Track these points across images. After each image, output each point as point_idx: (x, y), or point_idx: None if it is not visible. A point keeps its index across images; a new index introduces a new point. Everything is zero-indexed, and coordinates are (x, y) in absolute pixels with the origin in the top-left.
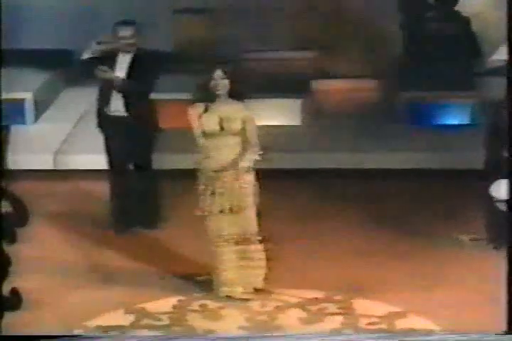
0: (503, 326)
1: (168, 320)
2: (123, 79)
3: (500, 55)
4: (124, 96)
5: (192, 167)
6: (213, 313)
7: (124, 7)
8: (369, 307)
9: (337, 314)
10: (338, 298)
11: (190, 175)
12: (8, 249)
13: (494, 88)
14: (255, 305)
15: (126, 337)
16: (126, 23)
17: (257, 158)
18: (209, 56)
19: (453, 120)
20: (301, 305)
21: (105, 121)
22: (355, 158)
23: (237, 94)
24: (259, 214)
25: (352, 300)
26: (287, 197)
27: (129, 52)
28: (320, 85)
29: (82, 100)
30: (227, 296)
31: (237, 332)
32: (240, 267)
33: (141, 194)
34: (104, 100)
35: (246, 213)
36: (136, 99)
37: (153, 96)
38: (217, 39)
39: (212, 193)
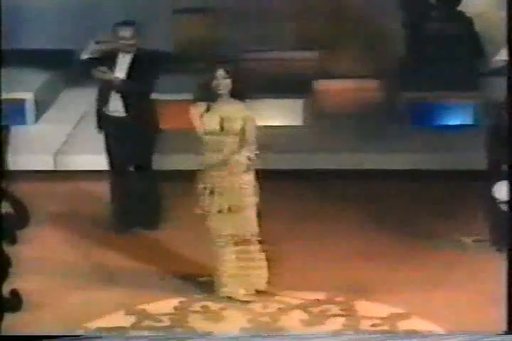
0: (503, 326)
1: (169, 322)
2: (121, 80)
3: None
4: (123, 97)
5: (192, 168)
6: (215, 315)
7: (124, 6)
8: (371, 309)
9: (339, 316)
10: (339, 299)
11: (190, 176)
12: (9, 249)
13: (497, 88)
14: (257, 306)
15: (126, 337)
16: (126, 23)
17: (253, 155)
18: (210, 56)
19: (455, 120)
20: (303, 307)
21: (105, 122)
22: (356, 158)
23: (239, 93)
24: (259, 215)
25: (354, 302)
26: (288, 197)
27: (128, 52)
28: (321, 85)
29: (82, 100)
30: (228, 297)
31: (238, 333)
32: (240, 268)
33: (142, 195)
34: (103, 100)
35: (245, 213)
36: (135, 100)
37: (153, 96)
38: (217, 39)
39: (212, 193)
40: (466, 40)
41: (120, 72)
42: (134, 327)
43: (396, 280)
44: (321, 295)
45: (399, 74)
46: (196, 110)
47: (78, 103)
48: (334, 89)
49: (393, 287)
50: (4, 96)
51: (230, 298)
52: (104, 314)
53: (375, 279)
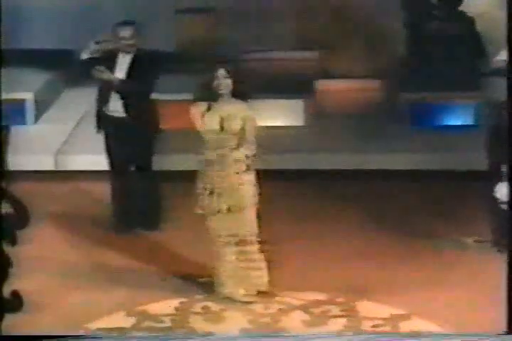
0: (504, 326)
1: (170, 322)
2: (121, 80)
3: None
4: (123, 97)
5: (193, 168)
6: (216, 315)
7: (125, 7)
8: (372, 310)
9: (340, 316)
10: (340, 300)
11: (191, 176)
12: (9, 250)
13: (498, 89)
14: (258, 307)
15: (127, 337)
16: (126, 23)
17: (251, 153)
18: (211, 56)
19: (455, 121)
20: (304, 308)
21: (105, 122)
22: (357, 158)
23: (240, 93)
24: (258, 215)
25: (355, 303)
26: (289, 197)
27: (129, 52)
28: (322, 85)
29: (82, 100)
30: (228, 298)
31: (239, 334)
32: (240, 268)
33: (142, 195)
34: (103, 101)
35: (245, 213)
36: (135, 100)
37: (154, 96)
38: (218, 39)
39: (211, 193)
40: (468, 40)
41: (120, 72)
42: (134, 327)
43: (397, 281)
44: (321, 296)
45: (399, 75)
46: (197, 109)
47: (78, 103)
48: (335, 89)
49: (394, 287)
50: (4, 96)
51: (230, 299)
52: (105, 314)
53: (375, 279)
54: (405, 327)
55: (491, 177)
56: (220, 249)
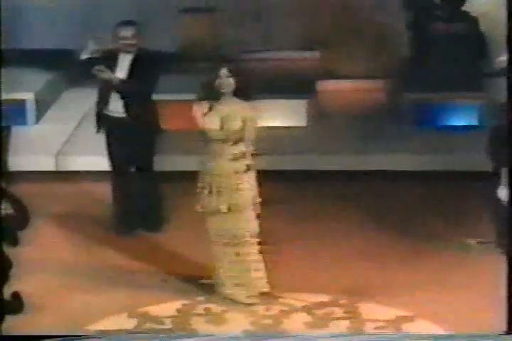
0: (504, 326)
1: (172, 324)
2: (121, 80)
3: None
4: (124, 97)
5: (194, 168)
6: (217, 317)
7: (126, 6)
8: (375, 311)
9: (343, 318)
10: (343, 301)
11: (192, 177)
12: (10, 251)
13: (501, 89)
14: (260, 308)
15: (127, 338)
16: (127, 23)
17: (247, 149)
18: (212, 56)
19: (459, 121)
20: (307, 309)
21: (105, 122)
22: (359, 159)
23: (242, 93)
24: (258, 216)
25: (358, 304)
26: (290, 198)
27: (130, 52)
28: (324, 86)
29: (84, 101)
30: (230, 299)
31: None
32: (240, 269)
33: (143, 196)
34: (103, 101)
35: (245, 213)
36: (135, 100)
37: (155, 96)
38: (222, 39)
39: (210, 192)
40: (471, 40)
41: (121, 72)
42: (136, 329)
43: (400, 282)
44: (323, 297)
45: (402, 75)
46: (199, 108)
47: (79, 103)
48: (337, 89)
49: (397, 289)
50: (5, 96)
51: (232, 300)
52: (107, 316)
53: (379, 281)
54: (408, 329)
55: (494, 178)
56: (219, 249)
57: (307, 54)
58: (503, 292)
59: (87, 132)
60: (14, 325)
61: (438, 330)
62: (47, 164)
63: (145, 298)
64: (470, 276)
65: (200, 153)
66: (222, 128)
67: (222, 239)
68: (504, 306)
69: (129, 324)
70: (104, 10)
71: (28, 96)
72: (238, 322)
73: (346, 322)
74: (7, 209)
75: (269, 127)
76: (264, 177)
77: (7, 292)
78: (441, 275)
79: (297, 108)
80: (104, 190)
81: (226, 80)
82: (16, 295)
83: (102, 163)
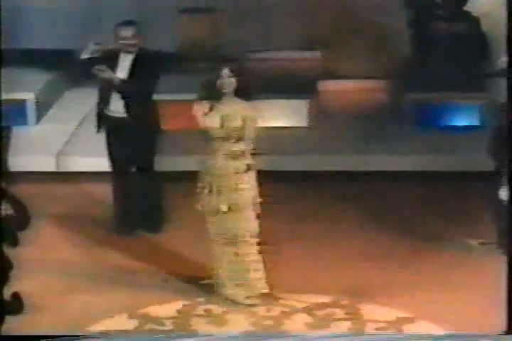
0: (504, 326)
1: (172, 325)
2: (122, 80)
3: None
4: (124, 97)
5: (194, 169)
6: (218, 318)
7: (127, 6)
8: (376, 312)
9: (344, 319)
10: (344, 302)
11: (192, 177)
12: (10, 252)
13: (502, 89)
14: (261, 309)
15: (127, 338)
16: (127, 23)
17: (247, 148)
18: (214, 56)
19: (460, 122)
20: (308, 310)
21: (106, 122)
22: (361, 159)
23: (243, 93)
24: (258, 216)
25: (359, 305)
26: (291, 199)
27: (130, 52)
28: (326, 86)
29: (84, 101)
30: (230, 299)
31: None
32: (238, 269)
33: (144, 196)
34: (104, 101)
35: (245, 213)
36: (136, 100)
37: (155, 96)
38: (223, 39)
39: (210, 191)
40: (472, 40)
41: (122, 72)
42: (136, 330)
43: (400, 282)
44: (324, 298)
45: (404, 75)
46: (200, 108)
47: (80, 103)
48: (339, 89)
49: (398, 289)
50: (5, 96)
51: (232, 301)
52: (107, 317)
53: (379, 281)
54: (409, 329)
55: (496, 178)
56: (219, 249)
57: (307, 54)
58: (504, 292)
59: (88, 132)
60: (14, 325)
61: (438, 330)
62: (47, 164)
63: (145, 298)
64: (470, 277)
65: (200, 153)
66: (222, 126)
67: (222, 239)
68: (504, 306)
69: (130, 324)
70: (104, 10)
71: (29, 97)
72: (239, 323)
73: (347, 323)
74: (7, 209)
75: (270, 127)
76: (264, 177)
77: (7, 292)
78: (441, 275)
79: (298, 108)
80: (105, 191)
81: (228, 80)
82: (16, 296)
83: (102, 163)
